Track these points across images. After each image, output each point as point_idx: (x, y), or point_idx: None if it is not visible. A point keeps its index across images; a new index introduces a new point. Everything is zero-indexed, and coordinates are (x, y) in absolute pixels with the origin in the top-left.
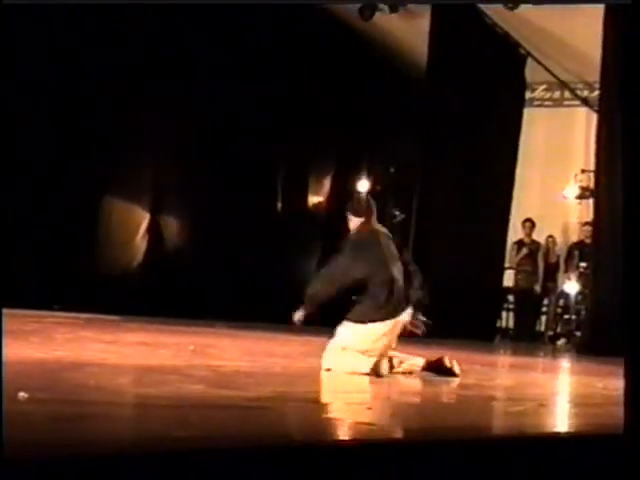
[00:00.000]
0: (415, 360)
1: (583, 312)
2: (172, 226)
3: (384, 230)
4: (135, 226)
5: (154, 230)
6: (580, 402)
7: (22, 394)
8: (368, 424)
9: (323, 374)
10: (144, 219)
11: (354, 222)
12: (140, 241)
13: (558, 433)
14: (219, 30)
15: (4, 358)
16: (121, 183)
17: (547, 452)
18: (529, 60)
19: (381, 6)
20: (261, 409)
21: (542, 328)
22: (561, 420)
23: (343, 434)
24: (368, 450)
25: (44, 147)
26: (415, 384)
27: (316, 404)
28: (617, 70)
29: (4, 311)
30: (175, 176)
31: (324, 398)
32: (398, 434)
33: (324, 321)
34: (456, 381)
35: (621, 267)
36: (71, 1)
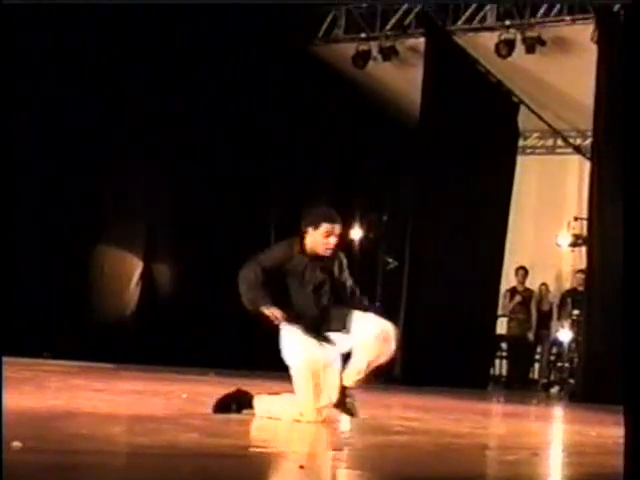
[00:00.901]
0: None
1: (576, 360)
2: (165, 274)
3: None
4: (128, 274)
5: (147, 278)
6: (574, 451)
7: (16, 443)
8: (357, 475)
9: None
10: (137, 267)
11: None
12: (133, 289)
13: None
14: (214, 82)
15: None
16: (114, 231)
17: None
18: (522, 108)
19: (374, 54)
20: (255, 457)
21: (535, 376)
22: (555, 469)
23: None
24: None
25: (36, 195)
26: (402, 431)
27: (304, 452)
28: (609, 118)
29: None
30: (168, 224)
31: (311, 448)
32: None
33: None
34: (449, 430)
35: (613, 315)
36: (71, 1)
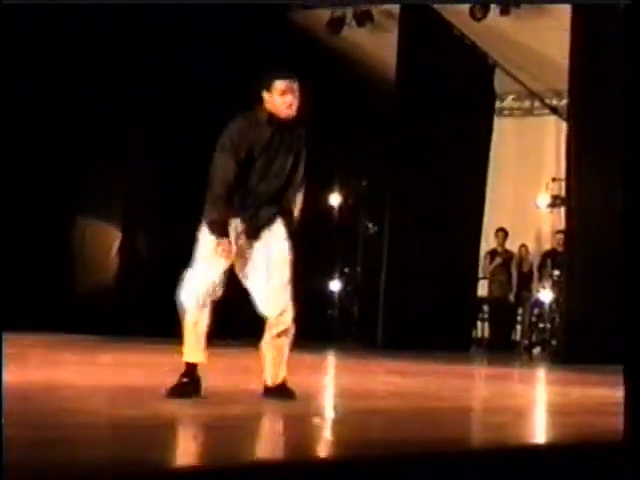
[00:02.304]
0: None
1: (558, 320)
2: (144, 244)
3: None
4: (107, 245)
5: (126, 249)
6: (557, 412)
7: None
8: (344, 440)
9: (296, 390)
10: (116, 238)
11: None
12: (113, 260)
13: (538, 444)
14: (190, 52)
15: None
16: (92, 203)
17: (527, 463)
18: (497, 70)
19: (349, 20)
20: (235, 427)
21: (517, 337)
22: (539, 431)
23: (321, 451)
24: (347, 467)
25: (14, 169)
26: (385, 396)
27: (291, 421)
28: (585, 77)
29: None
30: (146, 193)
31: (299, 413)
32: (375, 450)
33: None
34: (433, 393)
35: (593, 274)
36: (71, 1)
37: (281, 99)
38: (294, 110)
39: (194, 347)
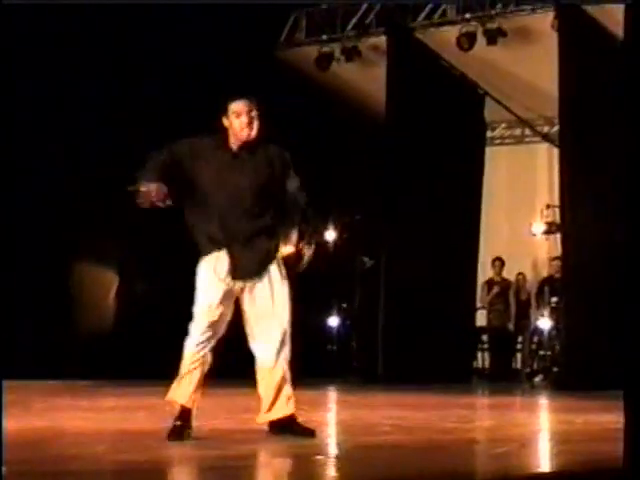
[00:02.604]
0: None
1: (558, 347)
2: (141, 288)
3: None
4: (105, 290)
5: (124, 293)
6: (561, 440)
7: (2, 469)
8: (349, 477)
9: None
10: (114, 283)
11: None
12: (111, 305)
13: (543, 473)
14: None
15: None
16: (89, 249)
17: None
18: (487, 99)
19: (337, 55)
20: (241, 467)
21: (518, 366)
22: (544, 460)
23: None
24: None
25: (14, 215)
26: (389, 430)
27: (295, 458)
28: (575, 104)
29: None
30: (142, 238)
31: (302, 451)
32: None
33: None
34: (436, 426)
35: (591, 300)
36: (71, 1)
37: (237, 121)
38: (253, 130)
39: (183, 389)
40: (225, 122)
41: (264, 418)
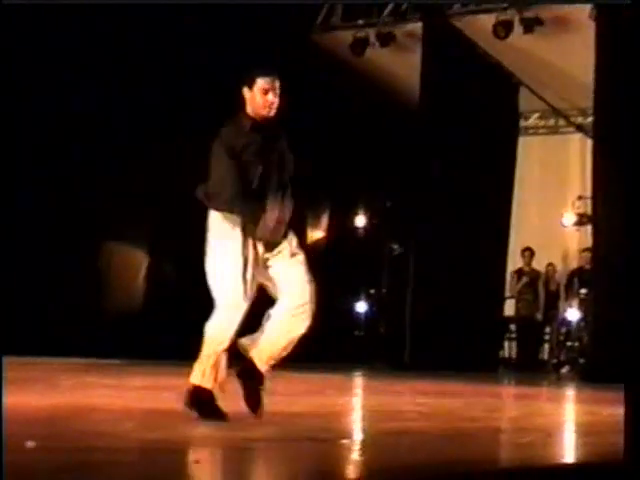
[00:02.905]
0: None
1: (585, 339)
2: (171, 267)
3: None
4: (136, 269)
5: (154, 272)
6: (587, 431)
7: (30, 443)
8: (373, 462)
9: (324, 411)
10: (144, 262)
11: None
12: (141, 284)
13: (567, 464)
14: (214, 72)
15: (7, 407)
16: (120, 227)
17: None
18: (522, 88)
19: (372, 41)
20: (268, 449)
21: (545, 356)
22: (569, 451)
23: (350, 473)
24: None
25: (44, 193)
26: (414, 417)
27: (321, 442)
28: (610, 95)
29: (7, 359)
30: (172, 216)
31: (327, 435)
32: (405, 471)
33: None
34: (462, 414)
35: (621, 293)
36: (71, 1)
37: (263, 98)
38: (274, 110)
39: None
40: (246, 93)
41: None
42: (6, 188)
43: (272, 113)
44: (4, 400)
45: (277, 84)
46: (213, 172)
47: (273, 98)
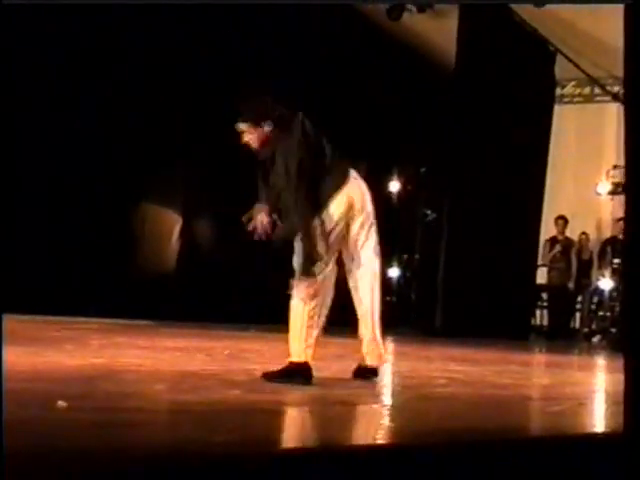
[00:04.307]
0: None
1: (618, 308)
2: (205, 229)
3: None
4: (168, 230)
5: (187, 234)
6: (617, 401)
7: (61, 402)
8: (403, 427)
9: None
10: (177, 223)
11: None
12: (174, 245)
13: (597, 433)
14: (251, 42)
15: (39, 366)
16: (153, 188)
17: (587, 452)
18: (558, 56)
19: (409, 6)
20: (298, 413)
21: (577, 325)
22: (599, 419)
23: (380, 438)
24: (407, 454)
25: (76, 154)
26: (444, 383)
27: (352, 407)
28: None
29: (37, 318)
30: (206, 178)
31: (358, 401)
32: (434, 437)
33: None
34: (492, 381)
35: None
36: (71, 1)
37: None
38: (253, 146)
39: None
40: None
41: None
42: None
43: (254, 148)
44: (29, 359)
45: (240, 129)
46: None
47: (243, 141)
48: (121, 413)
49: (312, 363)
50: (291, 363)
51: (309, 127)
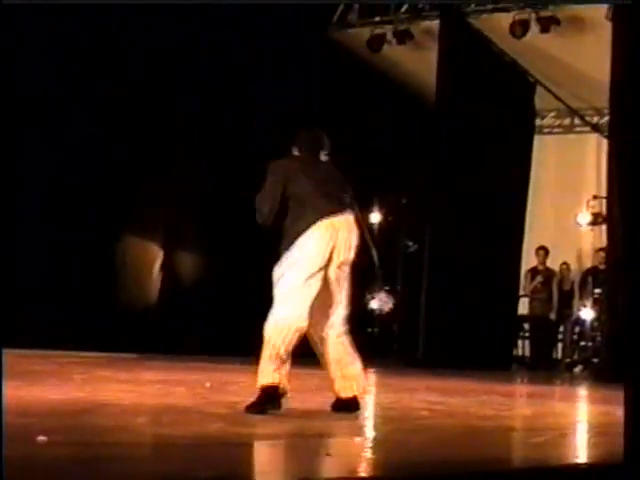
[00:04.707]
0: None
1: (599, 338)
2: (186, 262)
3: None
4: (150, 263)
5: (168, 267)
6: (599, 431)
7: (41, 438)
8: (386, 459)
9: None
10: (158, 256)
11: None
12: (155, 278)
13: (580, 464)
14: (230, 71)
15: (20, 400)
16: (134, 221)
17: None
18: (538, 87)
19: (389, 38)
20: (281, 446)
21: (559, 356)
22: (582, 450)
23: (363, 471)
24: None
25: (61, 187)
26: (427, 415)
27: (335, 439)
28: (625, 94)
29: (20, 352)
30: (187, 210)
31: (340, 433)
32: (418, 469)
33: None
34: (475, 412)
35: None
36: (71, 1)
37: None
38: None
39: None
40: None
41: None
42: (19, 182)
43: None
44: (12, 393)
45: None
46: None
47: None
48: (103, 448)
49: (294, 395)
50: (262, 388)
51: None
